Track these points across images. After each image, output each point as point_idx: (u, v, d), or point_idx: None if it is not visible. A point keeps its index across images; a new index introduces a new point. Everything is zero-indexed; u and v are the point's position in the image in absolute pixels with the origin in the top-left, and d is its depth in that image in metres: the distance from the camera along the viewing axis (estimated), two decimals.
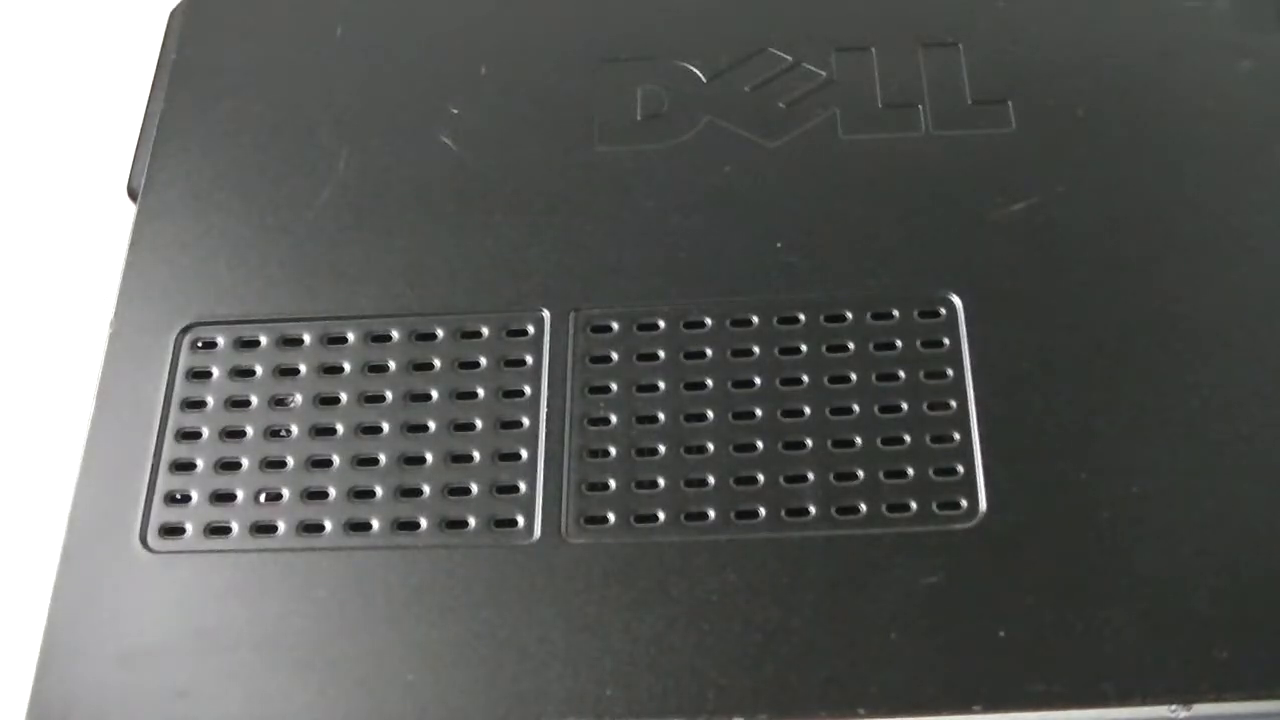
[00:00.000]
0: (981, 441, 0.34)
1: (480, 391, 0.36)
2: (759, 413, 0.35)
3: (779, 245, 0.38)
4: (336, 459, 0.36)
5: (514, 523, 0.35)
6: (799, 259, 0.38)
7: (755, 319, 0.37)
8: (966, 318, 0.36)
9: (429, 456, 0.36)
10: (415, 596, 0.33)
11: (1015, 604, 0.32)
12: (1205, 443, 0.34)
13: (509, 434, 0.36)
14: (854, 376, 0.36)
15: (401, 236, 0.39)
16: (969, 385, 0.35)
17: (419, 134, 0.41)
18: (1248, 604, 0.32)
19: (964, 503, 0.34)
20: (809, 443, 0.35)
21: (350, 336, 0.37)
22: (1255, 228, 0.37)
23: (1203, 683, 0.31)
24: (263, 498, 0.35)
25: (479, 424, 0.36)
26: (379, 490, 0.35)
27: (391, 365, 0.37)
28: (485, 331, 0.37)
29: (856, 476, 0.34)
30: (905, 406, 0.35)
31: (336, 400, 0.37)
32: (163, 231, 0.40)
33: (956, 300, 0.36)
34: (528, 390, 0.36)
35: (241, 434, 0.36)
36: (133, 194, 0.41)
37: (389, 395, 0.36)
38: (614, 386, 0.36)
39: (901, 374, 0.36)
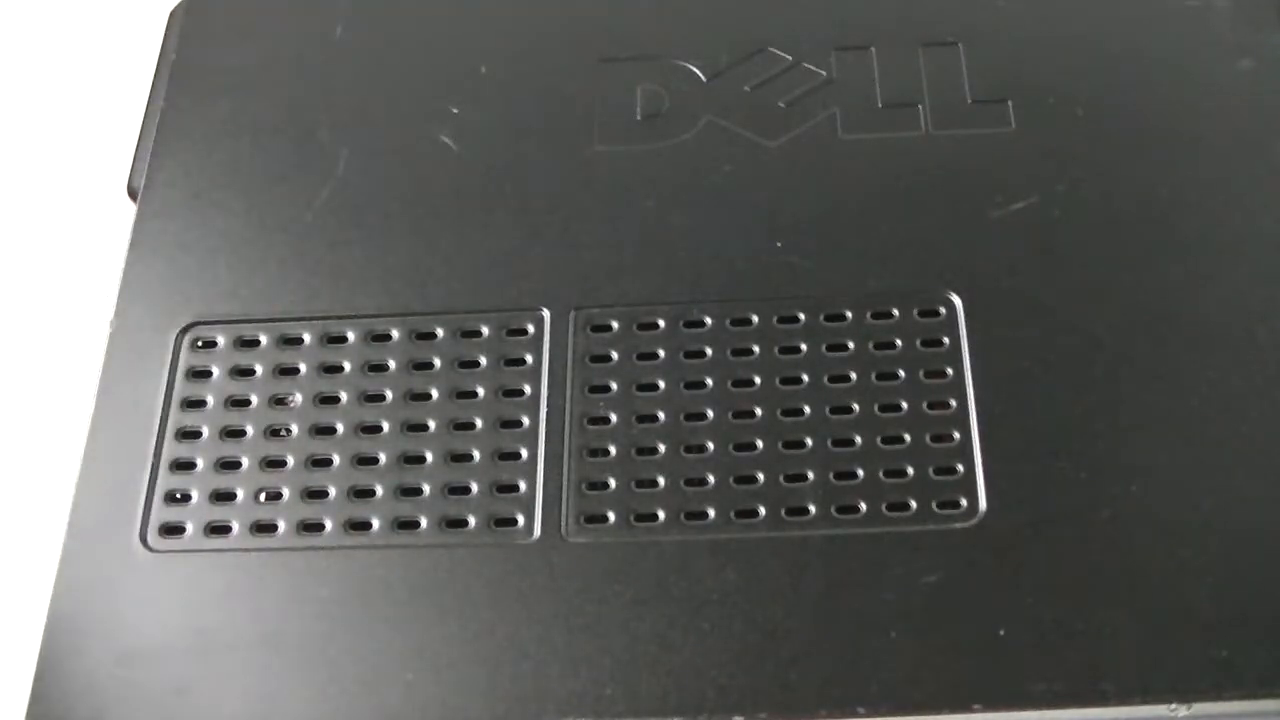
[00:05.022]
0: (981, 441, 0.34)
1: (480, 391, 0.36)
2: (759, 412, 0.35)
3: (779, 245, 0.38)
4: (336, 458, 0.36)
5: (514, 522, 0.35)
6: (799, 259, 0.38)
7: (755, 319, 0.37)
8: (966, 317, 0.36)
9: (429, 456, 0.36)
10: (415, 596, 0.33)
11: (1015, 604, 0.32)
12: (1205, 443, 0.34)
13: (509, 433, 0.36)
14: (854, 376, 0.36)
15: (401, 236, 0.39)
16: (969, 385, 0.35)
17: (419, 134, 0.41)
18: (1248, 604, 0.32)
19: (964, 502, 0.34)
20: (809, 442, 0.35)
21: (350, 336, 0.37)
22: (1255, 228, 0.37)
23: (1203, 682, 0.31)
24: (263, 497, 0.35)
25: (479, 423, 0.36)
26: (379, 490, 0.35)
27: (391, 365, 0.37)
28: (485, 331, 0.37)
29: (856, 476, 0.34)
30: (905, 406, 0.35)
31: (336, 400, 0.37)
32: (163, 231, 0.40)
33: (956, 300, 0.37)
34: (528, 389, 0.36)
35: (241, 433, 0.36)
36: (133, 194, 0.41)
37: (389, 395, 0.36)
38: (614, 386, 0.36)
39: (901, 373, 0.36)
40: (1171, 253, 0.37)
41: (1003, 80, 0.41)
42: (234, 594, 0.34)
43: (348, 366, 0.37)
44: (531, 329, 0.37)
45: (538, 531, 0.34)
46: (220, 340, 0.38)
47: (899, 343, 0.36)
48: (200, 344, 0.38)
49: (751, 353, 0.36)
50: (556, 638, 0.33)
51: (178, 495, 0.35)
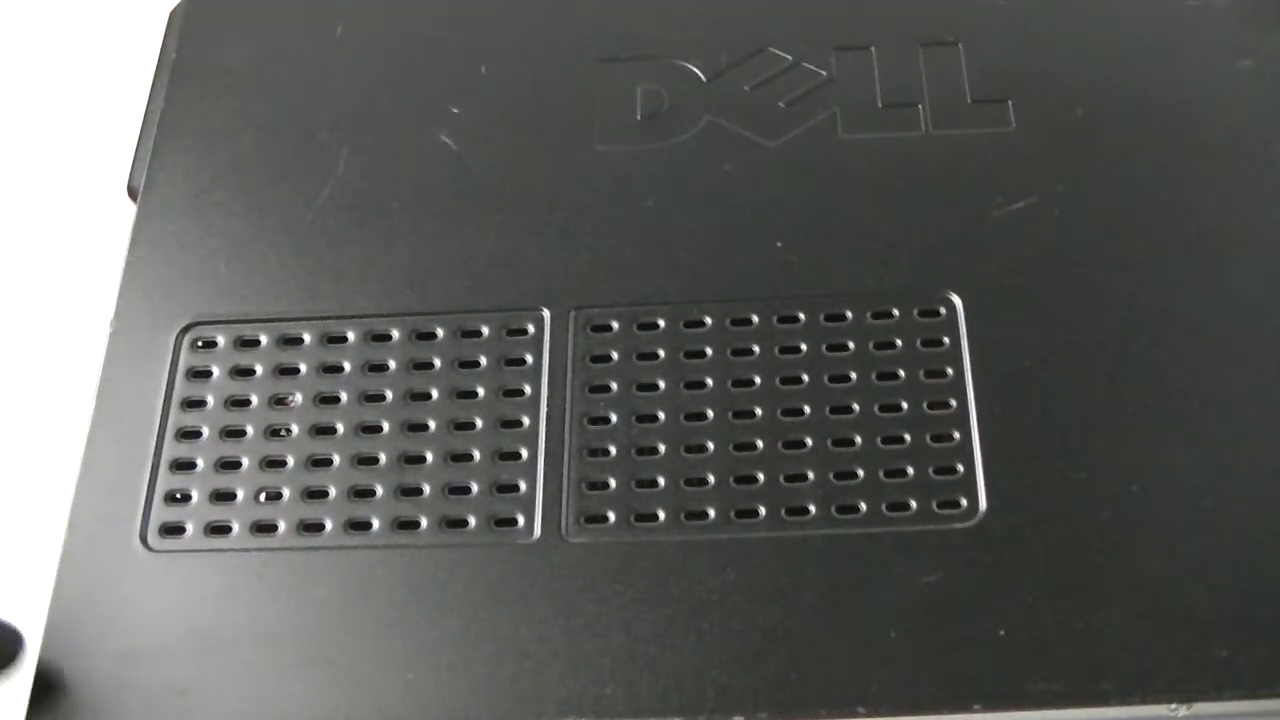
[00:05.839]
0: (981, 441, 0.34)
1: (480, 391, 0.36)
2: (759, 412, 0.35)
3: (779, 245, 0.38)
4: (336, 458, 0.36)
5: (514, 522, 0.35)
6: (799, 258, 0.38)
7: (755, 318, 0.37)
8: (966, 317, 0.36)
9: (429, 455, 0.36)
10: (415, 596, 0.34)
11: (1015, 604, 0.32)
12: (1205, 443, 0.34)
13: (509, 433, 0.36)
14: (854, 376, 0.36)
15: (401, 236, 0.39)
16: (969, 385, 0.35)
17: (419, 134, 0.41)
18: (1248, 604, 0.32)
19: (964, 502, 0.34)
20: (809, 442, 0.35)
21: (350, 336, 0.37)
22: (1255, 228, 0.37)
23: (1202, 681, 0.31)
24: (263, 497, 0.35)
25: (479, 423, 0.36)
26: (379, 490, 0.35)
27: (391, 365, 0.37)
28: (485, 331, 0.37)
29: (857, 476, 0.34)
30: (905, 406, 0.35)
31: (336, 400, 0.37)
32: (163, 231, 0.40)
33: (956, 299, 0.37)
34: (528, 389, 0.36)
35: (242, 433, 0.36)
36: (133, 194, 0.41)
37: (389, 394, 0.36)
38: (614, 386, 0.36)
39: (901, 373, 0.36)
40: (1171, 253, 0.37)
41: (1003, 80, 0.41)
42: (234, 594, 0.34)
43: (348, 366, 0.37)
44: (531, 329, 0.37)
45: (538, 531, 0.34)
46: (220, 340, 0.38)
47: (899, 343, 0.36)
48: (200, 344, 0.38)
49: (751, 353, 0.36)
50: (556, 638, 0.33)
51: (178, 495, 0.35)
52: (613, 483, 0.35)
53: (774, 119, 0.40)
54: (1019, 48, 0.41)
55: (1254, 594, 0.32)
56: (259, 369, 0.37)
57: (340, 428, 0.36)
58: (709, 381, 0.36)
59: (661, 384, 0.36)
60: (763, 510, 0.34)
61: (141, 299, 0.38)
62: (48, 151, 0.51)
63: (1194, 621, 0.32)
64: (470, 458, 0.35)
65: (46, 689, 0.33)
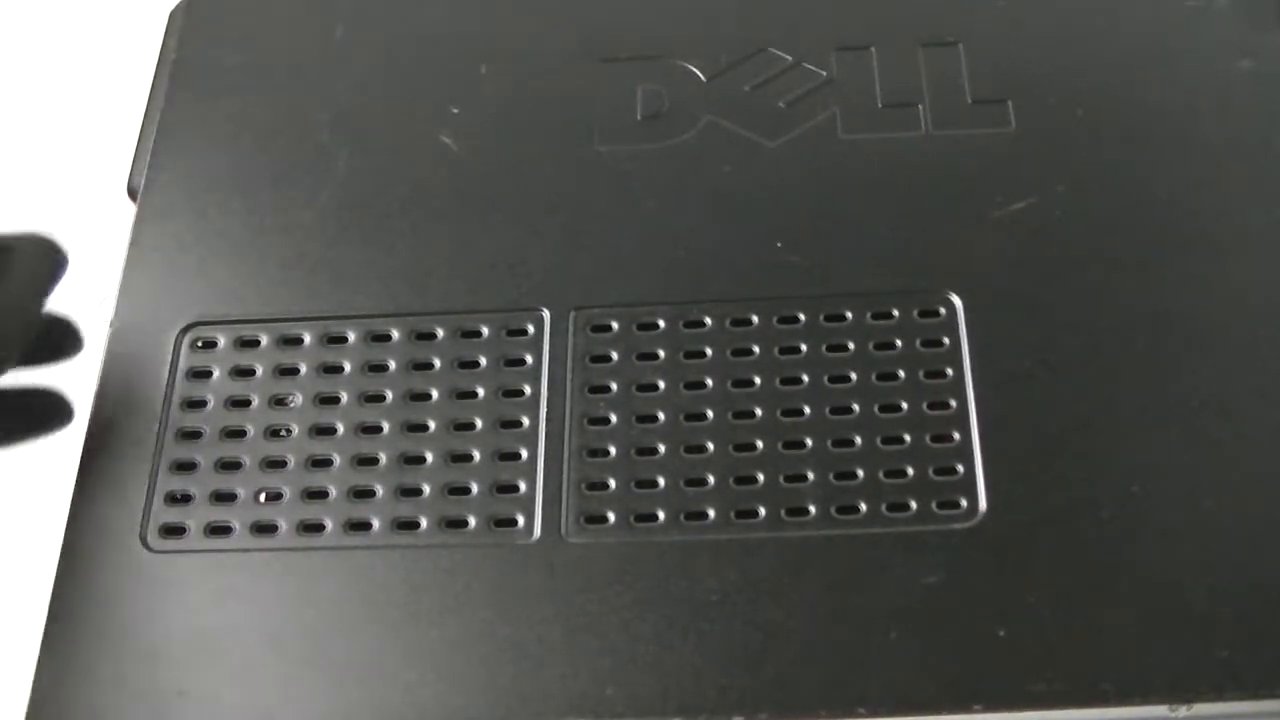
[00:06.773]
0: (981, 441, 0.34)
1: (480, 391, 0.36)
2: (759, 412, 0.35)
3: (779, 245, 0.38)
4: (336, 459, 0.36)
5: (514, 522, 0.35)
6: (799, 259, 0.38)
7: (755, 319, 0.37)
8: (966, 317, 0.36)
9: (429, 456, 0.36)
10: (415, 596, 0.34)
11: (1015, 604, 0.32)
12: (1205, 443, 0.34)
13: (509, 433, 0.36)
14: (854, 376, 0.36)
15: (401, 236, 0.39)
16: (969, 385, 0.35)
17: (419, 134, 0.41)
18: (1248, 604, 0.32)
19: (964, 502, 0.34)
20: (809, 442, 0.35)
21: (350, 336, 0.37)
22: (1255, 228, 0.37)
23: (1202, 682, 0.31)
24: (263, 497, 0.35)
25: (479, 423, 0.36)
26: (379, 490, 0.35)
27: (391, 365, 0.37)
28: (485, 331, 0.37)
29: (856, 476, 0.34)
30: (905, 406, 0.35)
31: (336, 400, 0.37)
32: (163, 231, 0.40)
33: (956, 300, 0.37)
34: (528, 390, 0.36)
35: (242, 433, 0.36)
36: (133, 194, 0.41)
37: (389, 395, 0.36)
38: (614, 386, 0.36)
39: (901, 374, 0.36)
40: (1171, 253, 0.37)
41: (1003, 80, 0.41)
42: (234, 594, 0.34)
43: (348, 366, 0.37)
44: (531, 329, 0.37)
45: (538, 531, 0.34)
46: (220, 340, 0.38)
47: (899, 343, 0.36)
48: (200, 344, 0.38)
49: (751, 353, 0.36)
50: (556, 638, 0.33)
51: (178, 495, 0.35)
52: (613, 483, 0.35)
53: (774, 119, 0.40)
54: (1019, 48, 0.41)
55: (1254, 594, 0.32)
56: (259, 369, 0.37)
57: (340, 428, 0.36)
58: (709, 381, 0.36)
59: (661, 384, 0.36)
60: (763, 510, 0.34)
61: (141, 299, 0.39)
62: (48, 151, 0.51)
63: (1194, 621, 0.32)
64: (470, 458, 0.35)
65: (46, 689, 0.33)
